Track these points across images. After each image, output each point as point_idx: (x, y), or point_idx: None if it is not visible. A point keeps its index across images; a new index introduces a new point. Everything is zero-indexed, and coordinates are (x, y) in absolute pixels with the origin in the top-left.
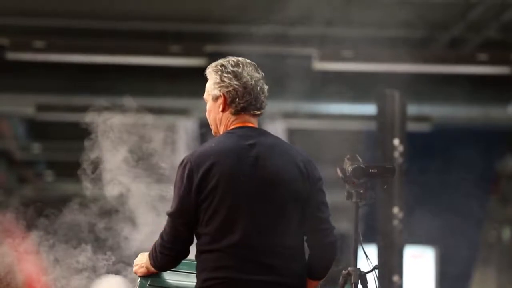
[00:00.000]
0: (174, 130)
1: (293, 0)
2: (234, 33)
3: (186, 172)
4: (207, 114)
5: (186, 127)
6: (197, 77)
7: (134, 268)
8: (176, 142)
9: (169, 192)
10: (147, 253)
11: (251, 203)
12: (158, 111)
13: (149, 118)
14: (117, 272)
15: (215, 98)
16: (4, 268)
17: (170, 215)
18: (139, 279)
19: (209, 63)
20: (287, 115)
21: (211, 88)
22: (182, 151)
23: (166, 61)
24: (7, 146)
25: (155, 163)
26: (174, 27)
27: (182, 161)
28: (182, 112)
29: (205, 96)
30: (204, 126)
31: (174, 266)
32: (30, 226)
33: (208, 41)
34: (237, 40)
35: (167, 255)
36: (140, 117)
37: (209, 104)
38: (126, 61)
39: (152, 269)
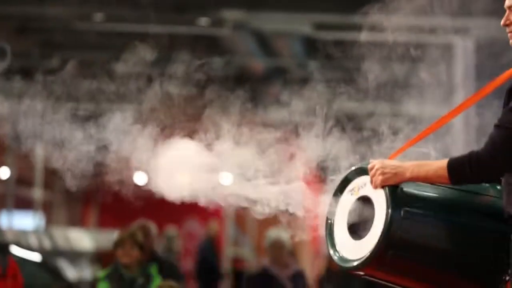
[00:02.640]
0: (450, 51)
1: None
2: None
3: None
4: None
5: (464, 48)
6: None
7: (389, 175)
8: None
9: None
10: (409, 162)
11: None
12: (431, 30)
13: (422, 38)
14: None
15: None
16: None
17: (507, 128)
18: (386, 188)
19: None
20: None
21: None
22: (459, 75)
23: None
24: (284, 64)
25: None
26: None
27: None
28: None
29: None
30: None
31: (492, 180)
32: None
33: None
34: None
35: (491, 166)
36: (412, 37)
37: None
38: None
39: (440, 179)
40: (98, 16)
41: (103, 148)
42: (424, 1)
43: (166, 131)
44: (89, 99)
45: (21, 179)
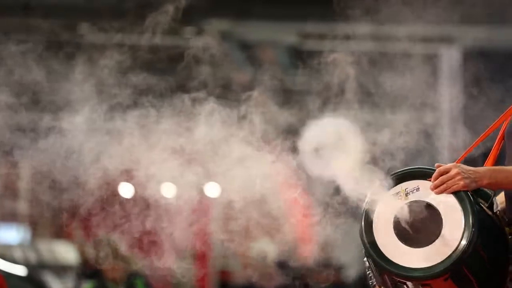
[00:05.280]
0: (435, 60)
1: None
2: None
3: None
4: None
5: (449, 57)
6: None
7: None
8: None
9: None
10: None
11: None
12: (418, 39)
13: (408, 47)
14: None
15: None
16: None
17: None
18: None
19: None
20: None
21: None
22: (445, 84)
23: None
24: (270, 74)
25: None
26: None
27: None
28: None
29: None
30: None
31: None
32: None
33: None
34: None
35: None
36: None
37: None
38: None
39: None
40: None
41: (89, 159)
42: (410, 10)
43: (152, 142)
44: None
45: (5, 192)
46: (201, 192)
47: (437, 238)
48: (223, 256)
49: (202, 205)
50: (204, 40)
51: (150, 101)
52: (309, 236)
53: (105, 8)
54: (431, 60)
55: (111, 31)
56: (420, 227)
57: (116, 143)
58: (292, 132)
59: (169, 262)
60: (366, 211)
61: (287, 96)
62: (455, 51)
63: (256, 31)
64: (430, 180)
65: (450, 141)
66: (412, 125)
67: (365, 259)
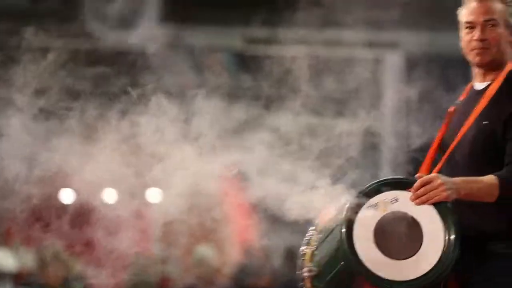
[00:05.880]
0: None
1: None
2: None
3: None
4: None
5: (392, 62)
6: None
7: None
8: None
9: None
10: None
11: None
12: (363, 44)
13: (355, 52)
14: None
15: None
16: None
17: None
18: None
19: None
20: None
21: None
22: (388, 89)
23: None
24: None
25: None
26: None
27: None
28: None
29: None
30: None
31: None
32: None
33: None
34: None
35: None
36: (345, 51)
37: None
38: None
39: (490, 197)
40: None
41: (28, 164)
42: (354, 16)
43: (93, 147)
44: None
45: None
46: (142, 197)
47: (418, 251)
48: (163, 262)
49: (144, 211)
50: (150, 45)
51: (93, 105)
52: (248, 239)
53: (48, 12)
54: (375, 65)
55: (54, 35)
56: (399, 239)
57: (55, 148)
58: (236, 137)
59: (109, 267)
60: (346, 220)
61: (232, 101)
62: (398, 56)
63: (202, 36)
64: (409, 191)
65: (393, 144)
66: (355, 130)
67: (311, 264)
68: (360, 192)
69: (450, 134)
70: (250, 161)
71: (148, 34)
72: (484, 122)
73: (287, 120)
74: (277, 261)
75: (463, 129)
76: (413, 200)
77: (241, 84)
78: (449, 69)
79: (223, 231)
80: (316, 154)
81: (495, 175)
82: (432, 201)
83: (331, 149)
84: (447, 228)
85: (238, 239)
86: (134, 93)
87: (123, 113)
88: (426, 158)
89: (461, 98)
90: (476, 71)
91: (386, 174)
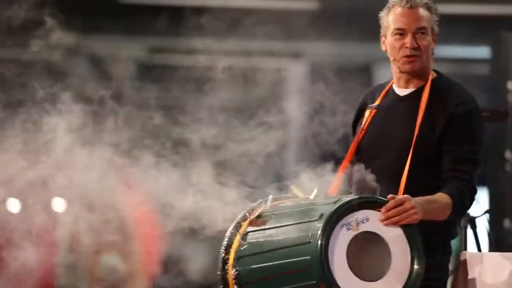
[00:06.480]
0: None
1: None
2: None
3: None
4: (426, 47)
5: (296, 71)
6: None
7: (415, 216)
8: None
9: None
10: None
11: None
12: (266, 54)
13: (257, 61)
14: None
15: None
16: None
17: (478, 161)
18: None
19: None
20: None
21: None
22: (292, 98)
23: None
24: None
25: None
26: None
27: (476, 102)
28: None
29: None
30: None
31: None
32: None
33: None
34: None
35: (473, 199)
36: (249, 61)
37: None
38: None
39: (443, 216)
40: None
41: None
42: (258, 26)
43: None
44: None
45: None
46: (47, 207)
47: (387, 272)
48: (70, 272)
49: (49, 220)
50: (52, 54)
51: None
52: (157, 250)
53: None
54: (278, 75)
55: None
56: (370, 259)
57: None
58: (143, 146)
59: (13, 277)
60: (321, 241)
61: (135, 110)
62: (302, 65)
63: (104, 45)
64: (379, 211)
65: (297, 154)
66: (259, 139)
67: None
68: (334, 212)
69: (372, 137)
70: (154, 171)
71: (50, 42)
72: (415, 130)
73: (191, 129)
74: (189, 272)
75: (392, 134)
76: (382, 220)
77: (145, 94)
78: (350, 78)
79: (130, 241)
80: (221, 163)
81: (447, 193)
82: (402, 222)
83: (237, 158)
84: (414, 249)
85: (146, 249)
86: (37, 101)
87: (26, 122)
88: (344, 160)
89: (378, 102)
90: (397, 76)
91: (291, 182)
